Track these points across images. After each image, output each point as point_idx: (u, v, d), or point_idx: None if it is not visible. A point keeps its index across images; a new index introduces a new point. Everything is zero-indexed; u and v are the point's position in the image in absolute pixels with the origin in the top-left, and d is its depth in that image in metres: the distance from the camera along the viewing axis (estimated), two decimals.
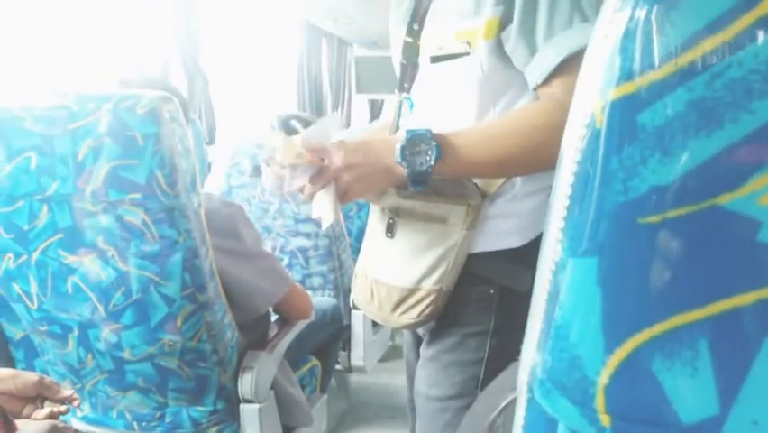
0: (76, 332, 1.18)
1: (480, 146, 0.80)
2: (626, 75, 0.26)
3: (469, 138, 0.80)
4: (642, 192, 0.27)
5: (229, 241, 1.22)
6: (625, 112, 0.27)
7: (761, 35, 0.24)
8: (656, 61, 0.26)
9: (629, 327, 0.28)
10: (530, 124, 0.79)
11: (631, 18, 0.26)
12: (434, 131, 0.79)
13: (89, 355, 1.20)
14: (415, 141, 0.78)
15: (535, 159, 0.79)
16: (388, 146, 0.80)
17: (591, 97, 0.28)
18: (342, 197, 0.82)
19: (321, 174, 0.80)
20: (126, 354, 1.17)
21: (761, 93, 0.24)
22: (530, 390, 0.32)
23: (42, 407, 0.89)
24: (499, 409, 0.46)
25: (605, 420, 0.29)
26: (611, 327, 0.28)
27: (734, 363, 0.26)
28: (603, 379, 0.28)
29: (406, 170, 0.79)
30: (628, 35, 0.26)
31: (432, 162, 0.78)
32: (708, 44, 0.25)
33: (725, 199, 0.25)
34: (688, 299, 0.26)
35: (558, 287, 0.30)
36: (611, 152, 0.27)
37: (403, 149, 0.78)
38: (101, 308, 1.13)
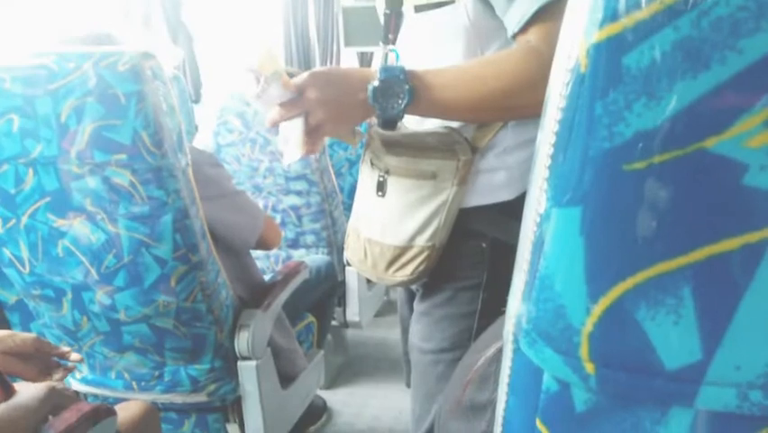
0: (69, 295, 1.18)
1: (453, 88, 0.79)
2: (611, 15, 0.25)
3: (442, 79, 0.79)
4: (627, 138, 0.26)
5: (209, 187, 1.22)
6: (610, 54, 0.26)
7: None
8: (642, 0, 0.25)
9: (613, 276, 0.27)
10: (503, 69, 0.77)
11: None
12: (408, 69, 0.78)
13: (84, 318, 1.20)
14: (388, 82, 0.77)
15: (508, 104, 0.78)
16: (362, 81, 0.79)
17: (575, 41, 0.27)
18: (313, 131, 0.81)
19: (293, 103, 0.78)
20: (121, 316, 1.18)
21: (748, 31, 0.23)
22: (515, 340, 0.32)
23: (48, 373, 0.90)
24: (487, 356, 0.47)
25: (589, 368, 0.29)
26: (595, 275, 0.28)
27: (718, 309, 0.26)
28: (587, 327, 0.28)
29: (378, 111, 0.78)
30: None
31: (403, 106, 0.77)
32: None
33: (711, 143, 0.25)
34: (672, 246, 0.26)
35: (542, 237, 0.29)
36: (596, 97, 0.26)
37: (375, 90, 0.77)
38: (93, 270, 1.13)
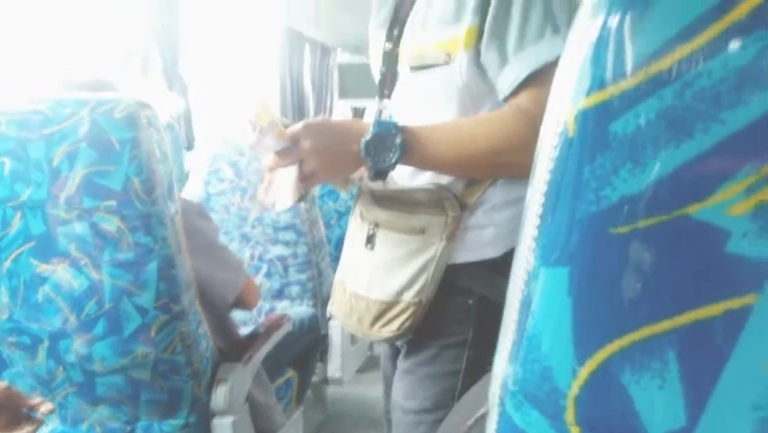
0: (46, 343, 1.15)
1: (444, 145, 0.81)
2: (598, 83, 0.26)
3: (434, 135, 0.81)
4: (613, 202, 0.26)
5: (192, 239, 1.21)
6: (597, 121, 0.27)
7: (730, 44, 0.24)
8: (628, 70, 0.26)
9: (600, 338, 0.27)
10: (494, 129, 0.80)
11: (603, 26, 0.26)
12: (401, 124, 0.80)
13: (60, 367, 1.17)
14: (380, 136, 0.79)
15: (497, 162, 0.81)
16: (356, 133, 0.81)
17: (564, 106, 0.28)
18: (307, 180, 0.82)
19: (287, 152, 0.80)
20: (97, 366, 1.15)
21: (730, 102, 0.24)
22: (501, 402, 0.31)
23: (17, 424, 0.87)
24: (473, 420, 0.46)
25: (575, 432, 0.28)
26: (582, 337, 0.28)
27: (702, 375, 0.26)
28: (574, 390, 0.28)
29: (370, 164, 0.80)
30: (600, 44, 0.26)
31: (394, 160, 0.80)
32: (679, 53, 0.25)
33: (694, 209, 0.25)
34: (657, 310, 0.26)
35: (530, 297, 0.29)
36: (583, 162, 0.27)
37: (367, 143, 0.79)
38: (72, 318, 1.11)
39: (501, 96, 0.81)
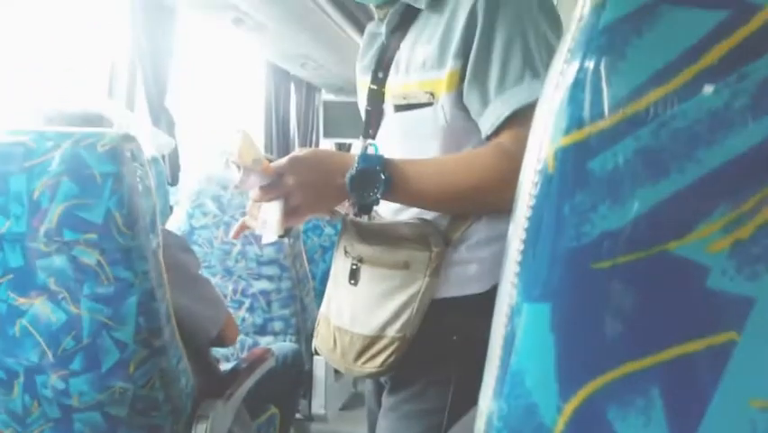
0: (22, 378, 1.12)
1: (428, 181, 0.83)
2: (576, 123, 0.27)
3: (418, 171, 0.83)
4: (593, 238, 0.27)
5: (172, 272, 1.20)
6: (575, 159, 0.27)
7: (704, 87, 0.25)
8: (605, 111, 0.26)
9: (583, 374, 0.27)
10: (475, 166, 0.82)
11: (580, 69, 0.27)
12: (386, 158, 0.82)
13: (35, 403, 1.14)
14: (365, 171, 0.80)
15: (478, 199, 0.83)
16: (340, 166, 0.82)
17: (544, 144, 0.28)
18: (292, 213, 0.82)
19: (272, 187, 0.80)
20: (74, 402, 1.12)
21: (706, 142, 0.25)
22: None
23: None
24: None
25: None
26: (565, 373, 0.28)
27: (687, 411, 0.26)
28: (559, 427, 0.28)
29: (354, 198, 0.81)
30: (578, 85, 0.27)
31: (378, 195, 0.81)
32: (654, 95, 0.26)
33: (673, 246, 0.26)
34: (639, 346, 0.26)
35: (513, 332, 0.29)
36: (563, 198, 0.28)
37: (352, 178, 0.80)
38: (49, 352, 1.09)
39: (483, 135, 0.83)
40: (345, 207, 0.92)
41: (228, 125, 3.41)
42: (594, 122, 0.27)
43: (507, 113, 0.79)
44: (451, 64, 0.83)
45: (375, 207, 0.92)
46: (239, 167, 0.78)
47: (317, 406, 2.02)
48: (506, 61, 0.79)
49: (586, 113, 0.27)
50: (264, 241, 0.83)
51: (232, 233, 0.91)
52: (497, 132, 0.81)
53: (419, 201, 0.85)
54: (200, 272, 1.33)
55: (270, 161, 0.82)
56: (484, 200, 0.82)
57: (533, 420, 0.29)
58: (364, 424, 1.11)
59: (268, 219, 0.82)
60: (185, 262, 1.26)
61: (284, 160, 0.81)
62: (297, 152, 0.84)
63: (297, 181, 0.80)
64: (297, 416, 2.02)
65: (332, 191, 0.82)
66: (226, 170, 0.82)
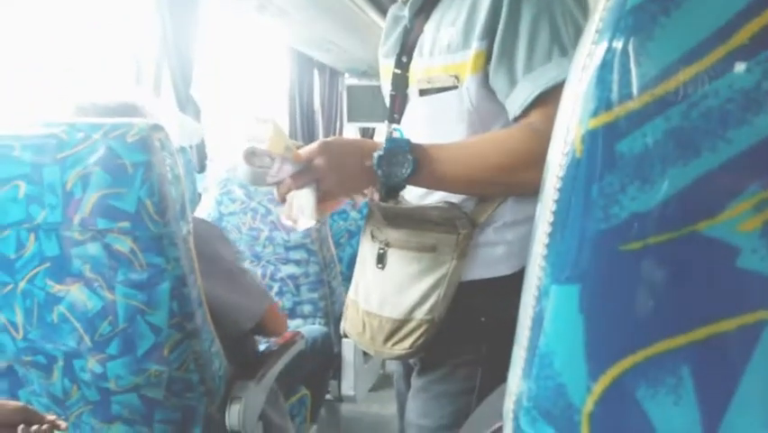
0: (61, 362, 1.16)
1: (456, 163, 0.82)
2: (605, 105, 0.27)
3: (445, 153, 0.82)
4: (622, 219, 0.27)
5: (208, 263, 1.22)
6: (604, 141, 0.27)
7: (736, 65, 0.24)
8: (634, 91, 0.26)
9: (613, 354, 0.28)
10: (504, 147, 0.81)
11: (608, 49, 0.27)
12: (412, 142, 0.82)
13: (74, 386, 1.18)
14: (393, 152, 0.80)
15: (508, 181, 0.82)
16: (368, 149, 0.83)
17: (571, 127, 0.28)
18: (325, 198, 0.84)
19: (303, 173, 0.81)
20: (112, 385, 1.15)
21: (737, 121, 0.25)
22: (516, 418, 0.32)
23: None
24: None
25: None
26: (595, 354, 0.28)
27: (717, 391, 0.26)
28: (588, 406, 0.28)
29: (381, 179, 0.82)
30: (606, 66, 0.27)
31: (406, 176, 0.81)
32: (684, 74, 0.25)
33: (703, 226, 0.25)
34: (669, 326, 0.26)
35: (542, 314, 0.30)
36: (591, 181, 0.28)
37: (380, 158, 0.81)
38: (87, 337, 1.12)
39: (512, 116, 0.82)
40: (372, 193, 0.93)
41: (252, 114, 3.43)
42: (623, 103, 0.27)
43: (536, 92, 0.78)
44: (476, 45, 0.82)
45: (401, 193, 0.93)
46: (271, 158, 0.79)
47: (347, 387, 2.05)
48: (533, 40, 0.78)
49: (614, 94, 0.27)
50: (300, 227, 0.84)
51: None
52: (525, 112, 0.80)
53: (447, 184, 0.85)
54: (240, 263, 1.33)
55: (298, 147, 0.83)
56: (514, 182, 0.82)
57: (562, 401, 0.29)
58: (393, 405, 1.12)
59: (302, 206, 0.83)
60: (222, 254, 1.27)
61: (313, 145, 0.82)
62: (326, 138, 0.85)
63: (328, 165, 0.81)
64: (328, 397, 2.06)
65: (360, 173, 0.83)
66: (250, 162, 0.81)
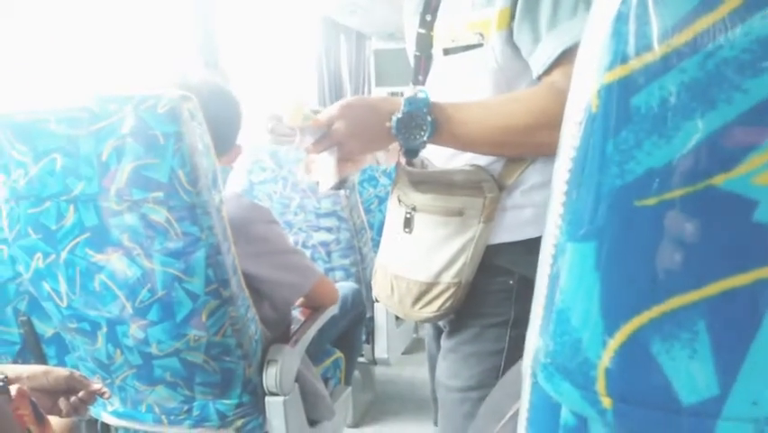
0: (104, 329, 1.21)
1: (477, 123, 0.81)
2: (620, 58, 0.26)
3: (467, 113, 0.81)
4: (638, 175, 0.27)
5: (258, 244, 1.26)
6: (619, 95, 0.27)
7: (752, 14, 0.24)
8: (649, 43, 0.26)
9: (628, 310, 0.28)
10: (526, 106, 0.79)
11: (624, 1, 0.26)
12: (433, 101, 0.81)
13: (118, 351, 1.23)
14: (411, 115, 0.80)
15: (530, 141, 0.81)
16: (388, 111, 0.82)
17: (587, 82, 0.28)
18: (346, 160, 0.85)
19: (325, 138, 0.83)
20: (153, 350, 1.20)
21: (753, 72, 0.24)
22: (534, 374, 0.32)
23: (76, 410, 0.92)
24: (514, 412, 0.46)
25: (606, 403, 0.29)
26: (610, 310, 0.28)
27: (732, 344, 0.26)
28: (604, 362, 0.29)
29: (401, 142, 0.82)
30: (621, 18, 0.26)
31: (425, 138, 0.81)
32: (700, 24, 0.25)
33: (720, 180, 0.25)
34: (685, 281, 0.26)
35: (558, 271, 0.30)
36: (607, 136, 0.27)
37: (399, 121, 0.81)
38: (128, 305, 1.16)
39: (535, 75, 0.80)
40: (399, 156, 0.93)
41: (279, 83, 3.43)
42: (638, 56, 0.26)
43: (559, 50, 0.76)
44: (501, 1, 0.80)
45: (427, 155, 0.92)
46: (294, 130, 0.81)
47: (380, 350, 2.09)
48: None
49: (630, 47, 0.26)
50: (321, 189, 0.86)
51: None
52: (549, 70, 0.78)
53: (470, 144, 0.84)
54: (286, 242, 1.38)
55: (317, 112, 0.84)
56: (537, 141, 0.80)
57: (578, 356, 0.29)
58: (425, 367, 1.14)
59: (324, 168, 0.85)
60: (264, 233, 1.30)
61: (334, 108, 0.83)
62: (345, 99, 0.85)
63: (347, 128, 0.81)
64: (362, 360, 2.10)
65: (379, 133, 0.83)
66: (274, 135, 0.86)
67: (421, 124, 0.80)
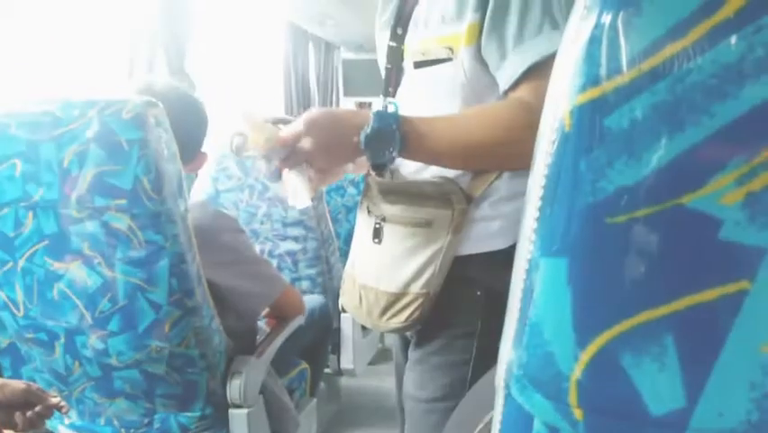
0: (62, 339, 1.17)
1: (443, 137, 0.82)
2: (593, 80, 0.27)
3: (434, 128, 0.82)
4: (609, 193, 0.27)
5: (224, 254, 1.24)
6: (592, 116, 0.28)
7: (719, 41, 0.25)
8: (621, 67, 0.27)
9: (599, 324, 0.28)
10: (493, 121, 0.81)
11: (596, 25, 0.27)
12: (402, 115, 0.81)
13: (76, 362, 1.19)
14: (380, 130, 0.79)
15: (497, 154, 0.82)
16: (357, 124, 0.81)
17: (560, 102, 0.29)
18: (318, 175, 0.84)
19: (292, 155, 0.81)
20: (113, 361, 1.17)
21: (720, 96, 0.25)
22: (507, 386, 0.33)
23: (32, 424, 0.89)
24: (486, 422, 0.47)
25: (578, 414, 0.29)
26: (582, 323, 0.29)
27: (700, 358, 0.27)
28: (576, 374, 0.29)
29: (369, 157, 0.81)
30: (594, 42, 0.27)
31: (394, 154, 0.80)
32: (670, 50, 0.26)
33: (687, 199, 0.26)
34: (654, 296, 0.27)
35: (532, 285, 0.31)
36: (580, 155, 0.28)
37: (367, 137, 0.80)
38: (88, 314, 1.13)
39: (502, 90, 0.82)
40: (369, 167, 0.93)
41: (246, 91, 3.41)
42: (610, 78, 0.27)
43: (524, 66, 0.78)
44: (470, 17, 0.81)
45: (396, 166, 0.93)
46: (261, 157, 0.80)
47: (346, 361, 2.08)
48: (524, 11, 0.78)
49: (602, 69, 0.27)
50: (299, 207, 0.84)
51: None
52: (515, 85, 0.80)
53: (438, 159, 0.85)
54: (251, 251, 1.36)
55: (290, 122, 0.83)
56: (504, 155, 0.82)
57: (551, 368, 0.30)
58: (392, 378, 1.14)
59: (295, 186, 0.83)
60: (231, 243, 1.29)
61: (299, 124, 0.81)
62: (311, 112, 0.83)
63: (314, 146, 0.80)
64: (327, 371, 2.08)
65: (347, 148, 0.82)
66: (240, 156, 0.83)
67: (390, 140, 0.80)
